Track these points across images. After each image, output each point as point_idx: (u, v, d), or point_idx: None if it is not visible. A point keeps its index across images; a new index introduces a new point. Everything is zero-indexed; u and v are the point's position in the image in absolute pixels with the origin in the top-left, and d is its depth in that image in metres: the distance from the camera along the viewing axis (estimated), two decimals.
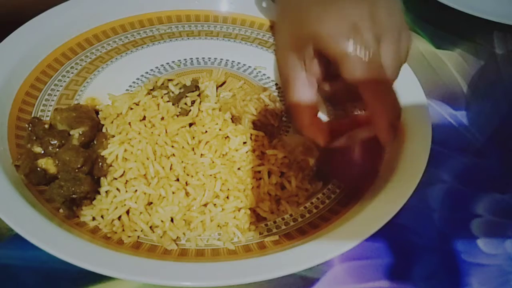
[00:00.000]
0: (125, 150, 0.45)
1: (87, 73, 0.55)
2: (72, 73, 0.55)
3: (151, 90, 0.52)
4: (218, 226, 0.44)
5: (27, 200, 0.40)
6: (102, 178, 0.44)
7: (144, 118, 0.48)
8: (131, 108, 0.49)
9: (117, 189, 0.44)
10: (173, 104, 0.50)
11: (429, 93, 0.56)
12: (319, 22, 0.42)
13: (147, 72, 0.57)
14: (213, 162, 0.46)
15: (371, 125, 0.43)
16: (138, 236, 0.42)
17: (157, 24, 0.62)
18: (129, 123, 0.48)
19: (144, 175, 0.44)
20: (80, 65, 0.56)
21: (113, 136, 0.47)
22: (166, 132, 0.47)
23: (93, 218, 0.43)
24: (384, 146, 0.43)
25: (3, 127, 0.47)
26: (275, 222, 0.45)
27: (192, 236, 0.42)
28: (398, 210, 0.41)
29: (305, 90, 0.45)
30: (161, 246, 0.42)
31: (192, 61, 0.59)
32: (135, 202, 0.43)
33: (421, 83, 0.53)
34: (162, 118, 0.48)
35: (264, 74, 0.58)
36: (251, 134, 0.48)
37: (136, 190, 0.43)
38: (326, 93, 0.49)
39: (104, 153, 0.45)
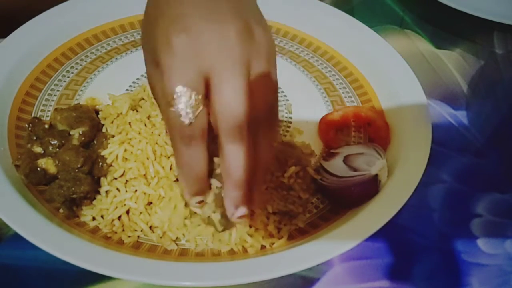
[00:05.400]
0: (125, 150, 0.45)
1: (87, 73, 0.55)
2: (72, 73, 0.55)
3: None
4: None
5: (27, 200, 0.40)
6: (102, 178, 0.44)
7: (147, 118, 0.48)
8: (132, 110, 0.49)
9: (117, 189, 0.44)
10: None
11: (429, 93, 0.56)
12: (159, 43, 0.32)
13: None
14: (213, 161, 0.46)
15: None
16: (138, 236, 0.42)
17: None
18: (129, 123, 0.47)
19: (144, 175, 0.44)
20: (80, 65, 0.56)
21: (113, 136, 0.47)
22: (166, 132, 0.47)
23: (93, 218, 0.43)
24: (377, 184, 0.44)
25: (3, 127, 0.47)
26: None
27: (192, 236, 0.42)
28: (398, 210, 0.41)
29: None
30: (161, 246, 0.42)
31: None
32: (135, 202, 0.43)
33: (421, 83, 0.53)
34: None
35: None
36: None
37: (136, 190, 0.43)
38: None
39: (104, 153, 0.45)
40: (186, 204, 0.41)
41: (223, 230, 0.38)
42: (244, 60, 0.31)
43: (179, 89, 0.31)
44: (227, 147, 0.32)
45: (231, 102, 0.31)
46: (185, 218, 0.42)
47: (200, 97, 0.31)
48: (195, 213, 0.40)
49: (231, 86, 0.31)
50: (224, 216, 0.37)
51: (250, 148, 0.33)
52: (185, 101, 0.31)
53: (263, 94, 0.33)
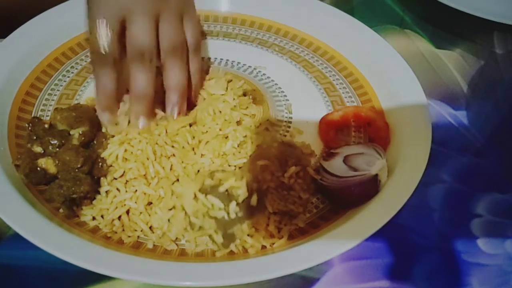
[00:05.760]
0: (125, 150, 0.45)
1: (87, 73, 0.55)
2: (72, 72, 0.55)
3: None
4: None
5: (27, 200, 0.40)
6: (102, 178, 0.44)
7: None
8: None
9: (117, 189, 0.44)
10: None
11: (429, 93, 0.56)
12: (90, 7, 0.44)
13: None
14: (213, 162, 0.46)
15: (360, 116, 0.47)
16: (138, 236, 0.42)
17: None
18: (129, 122, 0.47)
19: (144, 175, 0.44)
20: (80, 65, 0.56)
21: (113, 136, 0.47)
22: (166, 132, 0.47)
23: (93, 218, 0.43)
24: (377, 184, 0.44)
25: (3, 126, 0.47)
26: None
27: (192, 237, 0.42)
28: (398, 210, 0.41)
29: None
30: (161, 246, 0.42)
31: None
32: (135, 202, 0.43)
33: (421, 83, 0.53)
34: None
35: (264, 74, 0.58)
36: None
37: (136, 190, 0.43)
38: None
39: (104, 154, 0.45)
40: (186, 213, 0.42)
41: (225, 247, 0.41)
42: (154, 9, 0.43)
43: (98, 23, 0.42)
44: (131, 70, 0.44)
45: (137, 36, 0.43)
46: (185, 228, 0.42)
47: (114, 32, 0.42)
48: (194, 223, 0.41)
49: (138, 26, 0.43)
50: (225, 237, 0.40)
51: (153, 72, 0.45)
52: (101, 34, 0.42)
53: (167, 36, 0.45)
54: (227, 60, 0.59)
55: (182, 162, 0.45)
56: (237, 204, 0.41)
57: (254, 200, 0.41)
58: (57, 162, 0.43)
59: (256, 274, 0.37)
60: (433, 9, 0.70)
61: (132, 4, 0.43)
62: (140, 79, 0.44)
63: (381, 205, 0.42)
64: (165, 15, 0.45)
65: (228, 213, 0.40)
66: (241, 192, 0.41)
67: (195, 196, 0.41)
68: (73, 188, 0.42)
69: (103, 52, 0.43)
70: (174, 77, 0.46)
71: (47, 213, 0.41)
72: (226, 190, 0.41)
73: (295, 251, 0.39)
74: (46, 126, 0.46)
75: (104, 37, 0.42)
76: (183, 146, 0.46)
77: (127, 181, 0.44)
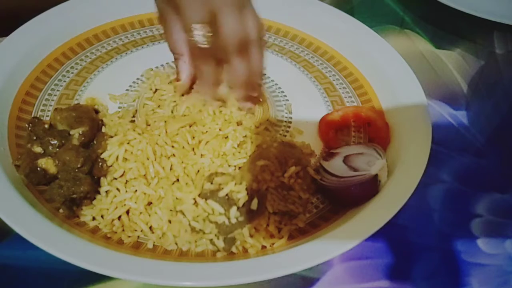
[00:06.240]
0: (125, 151, 0.45)
1: (87, 73, 0.55)
2: (72, 73, 0.55)
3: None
4: None
5: (27, 200, 0.40)
6: (102, 178, 0.44)
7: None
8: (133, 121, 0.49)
9: (117, 189, 0.44)
10: None
11: (429, 93, 0.56)
12: None
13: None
14: (213, 162, 0.46)
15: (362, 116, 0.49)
16: (138, 236, 0.42)
17: (157, 24, 0.62)
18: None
19: (144, 175, 0.44)
20: (80, 65, 0.56)
21: (111, 136, 0.47)
22: (166, 132, 0.47)
23: (93, 218, 0.43)
24: (377, 184, 0.44)
25: (3, 127, 0.47)
26: None
27: (192, 239, 0.42)
28: (398, 210, 0.41)
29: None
30: (161, 246, 0.42)
31: None
32: (135, 202, 0.43)
33: (421, 83, 0.53)
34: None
35: (263, 74, 0.58)
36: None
37: (136, 190, 0.43)
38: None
39: (104, 155, 0.45)
40: (186, 218, 0.42)
41: (226, 251, 0.41)
42: (239, 2, 0.45)
43: (195, 24, 0.44)
44: (235, 60, 0.46)
45: (234, 29, 0.45)
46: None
47: (209, 29, 0.44)
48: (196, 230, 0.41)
49: (232, 20, 0.44)
50: (226, 241, 0.40)
51: (248, 60, 0.47)
52: (200, 33, 0.44)
53: (252, 25, 0.46)
54: None
55: (182, 162, 0.45)
56: (238, 208, 0.41)
57: (254, 204, 0.41)
58: (57, 162, 0.43)
59: (256, 274, 0.37)
60: (433, 9, 0.70)
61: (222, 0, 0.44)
62: (244, 68, 0.47)
63: (381, 205, 0.42)
64: (248, 9, 0.46)
65: (228, 218, 0.40)
66: (241, 196, 0.41)
67: (195, 202, 0.41)
68: (73, 188, 0.42)
69: (203, 47, 0.45)
70: (244, 72, 0.48)
71: (47, 213, 0.41)
72: (226, 195, 0.41)
73: (295, 251, 0.39)
74: (46, 126, 0.46)
75: (202, 33, 0.44)
76: (183, 146, 0.46)
77: (127, 181, 0.44)
